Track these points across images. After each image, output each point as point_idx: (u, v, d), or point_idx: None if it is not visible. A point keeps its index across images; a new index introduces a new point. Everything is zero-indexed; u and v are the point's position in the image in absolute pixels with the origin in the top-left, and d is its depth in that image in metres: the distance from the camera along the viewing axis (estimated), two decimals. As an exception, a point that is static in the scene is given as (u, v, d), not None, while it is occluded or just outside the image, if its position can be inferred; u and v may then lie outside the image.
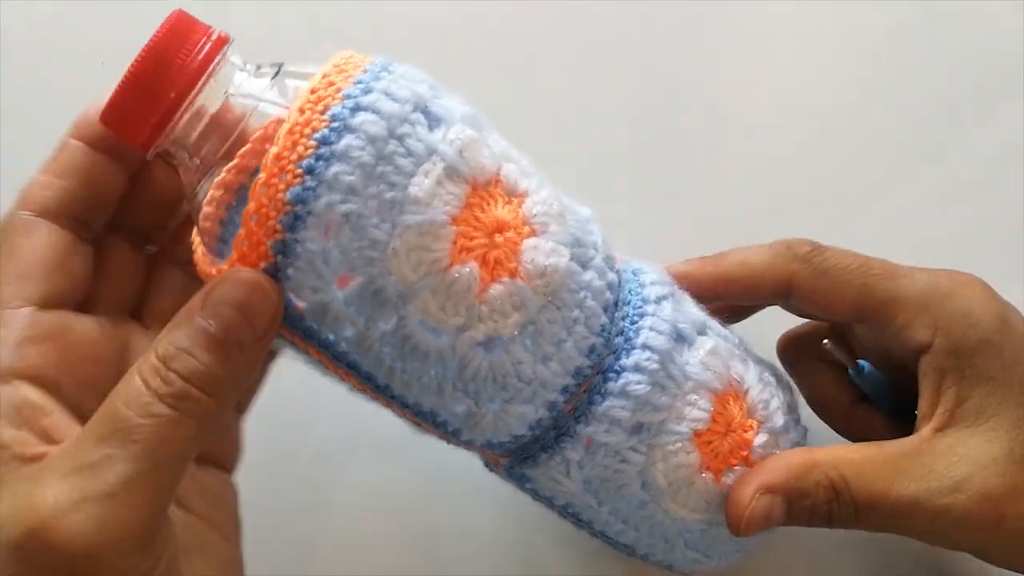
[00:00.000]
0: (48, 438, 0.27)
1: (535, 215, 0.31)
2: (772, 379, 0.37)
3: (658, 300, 0.34)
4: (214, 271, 0.29)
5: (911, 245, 0.37)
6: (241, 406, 0.38)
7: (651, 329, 0.33)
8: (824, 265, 0.34)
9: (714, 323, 0.37)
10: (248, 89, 0.31)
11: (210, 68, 0.29)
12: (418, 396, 0.30)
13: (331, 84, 0.29)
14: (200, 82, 0.29)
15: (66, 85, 0.48)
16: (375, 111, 0.28)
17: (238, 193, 0.32)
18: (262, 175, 0.27)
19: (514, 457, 0.34)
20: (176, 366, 0.26)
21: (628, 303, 0.34)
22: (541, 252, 0.30)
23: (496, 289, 0.29)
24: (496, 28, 0.46)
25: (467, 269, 0.29)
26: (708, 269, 0.36)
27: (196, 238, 0.32)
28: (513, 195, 0.31)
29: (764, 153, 0.46)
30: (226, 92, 0.31)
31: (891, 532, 0.32)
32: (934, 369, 0.32)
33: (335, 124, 0.27)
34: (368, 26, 0.46)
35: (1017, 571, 0.32)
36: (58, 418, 0.28)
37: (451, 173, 0.29)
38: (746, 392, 0.35)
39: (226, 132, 0.30)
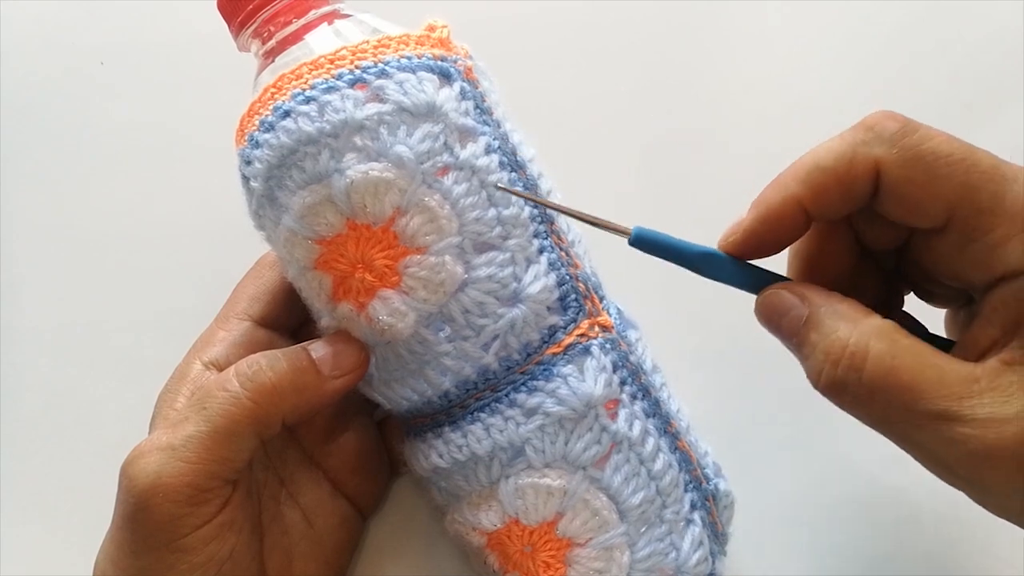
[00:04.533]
0: None
1: (408, 272, 0.31)
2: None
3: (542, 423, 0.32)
4: None
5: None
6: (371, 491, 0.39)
7: (503, 429, 0.32)
8: (919, 150, 0.27)
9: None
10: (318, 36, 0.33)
11: None
12: None
13: (298, 76, 0.31)
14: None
15: (66, 85, 0.48)
16: (287, 128, 0.30)
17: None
18: (244, 116, 0.32)
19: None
20: (263, 361, 0.32)
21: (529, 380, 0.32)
22: (384, 308, 0.31)
23: (342, 307, 0.32)
24: (496, 28, 0.46)
25: (321, 278, 0.31)
26: (778, 193, 0.29)
27: None
28: (409, 246, 0.31)
29: (765, 153, 0.46)
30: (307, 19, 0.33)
31: (886, 434, 0.28)
32: (1019, 298, 0.27)
33: (270, 118, 0.31)
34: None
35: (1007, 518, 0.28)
36: None
37: (331, 203, 0.30)
38: (567, 544, 0.33)
39: (284, 47, 0.33)
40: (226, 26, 0.34)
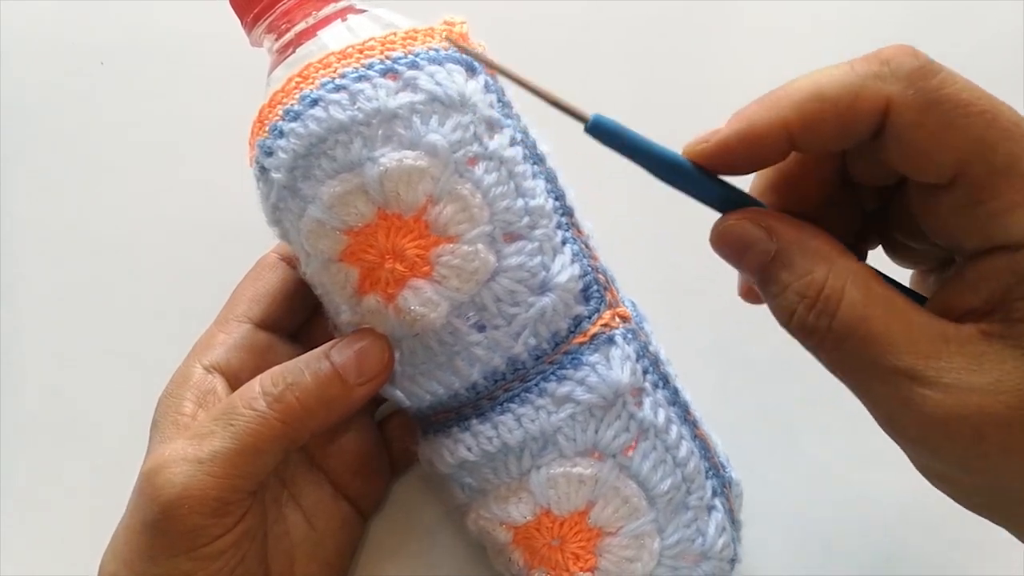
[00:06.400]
0: None
1: (440, 261, 0.30)
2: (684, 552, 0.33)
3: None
4: None
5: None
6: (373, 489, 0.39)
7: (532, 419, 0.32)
8: (938, 94, 0.24)
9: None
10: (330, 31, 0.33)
11: None
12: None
13: (326, 66, 0.30)
14: None
15: (66, 85, 0.48)
16: (316, 117, 0.30)
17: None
18: (264, 107, 0.32)
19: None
20: (288, 377, 0.31)
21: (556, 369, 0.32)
22: (416, 298, 0.31)
23: (368, 300, 0.31)
24: (496, 27, 0.46)
25: (347, 271, 0.31)
26: (766, 113, 0.25)
27: None
28: (440, 235, 0.30)
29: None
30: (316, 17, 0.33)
31: (844, 382, 0.26)
32: (1014, 272, 0.24)
33: (297, 107, 0.30)
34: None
35: (960, 502, 0.27)
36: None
37: (362, 192, 0.30)
38: (597, 534, 0.32)
39: (300, 41, 0.33)
40: (238, 21, 0.34)
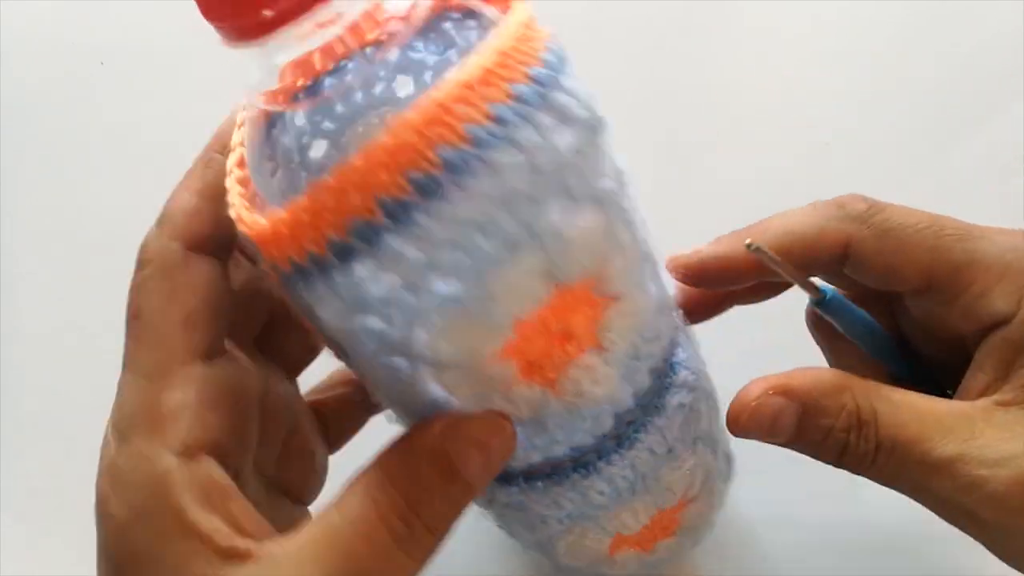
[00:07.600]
0: (238, 526, 0.23)
1: (609, 330, 0.24)
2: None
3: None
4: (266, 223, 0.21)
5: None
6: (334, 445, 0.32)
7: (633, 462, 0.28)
8: (887, 224, 0.29)
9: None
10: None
11: None
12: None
13: (522, 52, 0.20)
14: None
15: (66, 85, 0.48)
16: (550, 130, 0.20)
17: (270, 121, 0.24)
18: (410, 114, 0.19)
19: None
20: (422, 512, 0.23)
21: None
22: (588, 377, 0.24)
23: (520, 390, 0.23)
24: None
25: (503, 369, 0.22)
26: (739, 239, 0.29)
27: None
28: (605, 298, 0.23)
29: (765, 153, 0.46)
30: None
31: (903, 490, 0.28)
32: (1008, 342, 0.27)
33: (520, 107, 0.20)
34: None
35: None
36: (241, 501, 0.24)
37: (540, 269, 0.21)
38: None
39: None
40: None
